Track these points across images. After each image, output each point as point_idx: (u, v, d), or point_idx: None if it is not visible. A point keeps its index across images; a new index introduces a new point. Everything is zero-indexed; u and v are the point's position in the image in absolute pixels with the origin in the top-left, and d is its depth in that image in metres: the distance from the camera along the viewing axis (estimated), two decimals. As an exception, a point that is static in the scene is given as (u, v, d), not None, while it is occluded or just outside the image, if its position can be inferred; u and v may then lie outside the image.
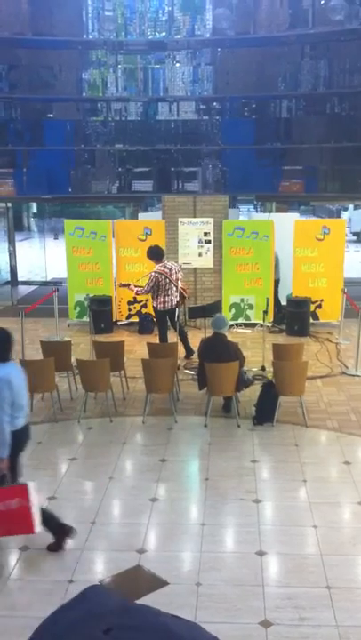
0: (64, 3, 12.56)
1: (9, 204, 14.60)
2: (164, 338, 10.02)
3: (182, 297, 10.01)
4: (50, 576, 4.96)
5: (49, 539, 5.43)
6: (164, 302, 9.85)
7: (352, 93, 12.45)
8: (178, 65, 12.91)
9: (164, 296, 9.83)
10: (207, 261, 12.43)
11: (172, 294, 9.82)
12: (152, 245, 10.42)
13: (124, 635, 1.59)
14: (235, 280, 12.14)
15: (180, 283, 9.88)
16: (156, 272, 9.81)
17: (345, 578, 4.89)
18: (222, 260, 12.22)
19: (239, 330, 11.79)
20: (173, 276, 9.81)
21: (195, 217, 12.37)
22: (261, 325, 10.44)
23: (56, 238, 19.28)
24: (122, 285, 10.68)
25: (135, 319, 12.23)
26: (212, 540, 5.43)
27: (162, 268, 9.84)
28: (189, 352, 10.01)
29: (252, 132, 13.05)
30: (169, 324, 10.02)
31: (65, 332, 11.66)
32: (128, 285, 10.21)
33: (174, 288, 9.80)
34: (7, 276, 15.46)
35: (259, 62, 12.84)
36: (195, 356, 9.35)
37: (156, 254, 10.06)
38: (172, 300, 9.84)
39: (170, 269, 9.86)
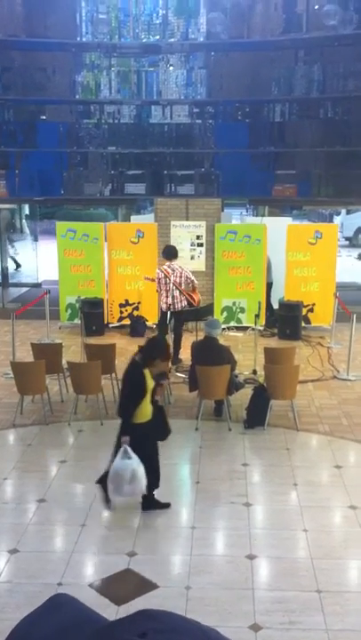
0: (58, 5, 12.55)
1: (1, 206, 14.55)
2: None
3: (190, 304, 9.99)
4: (39, 579, 4.92)
5: (40, 542, 5.40)
6: (167, 303, 9.91)
7: (345, 98, 12.49)
8: (171, 68, 12.90)
9: (165, 296, 9.91)
10: (199, 264, 12.42)
11: (173, 296, 9.83)
12: (168, 244, 10.62)
13: (163, 638, 1.58)
14: (227, 283, 12.13)
15: (184, 287, 9.88)
16: (159, 269, 10.02)
17: (335, 582, 4.89)
18: (214, 264, 12.22)
19: (231, 333, 11.78)
20: (177, 279, 9.84)
21: (187, 220, 12.37)
22: (253, 329, 10.43)
23: (36, 240, 19.09)
24: (146, 279, 10.81)
25: (127, 322, 12.19)
26: (203, 543, 5.41)
27: (165, 267, 9.98)
28: (175, 360, 9.92)
29: (246, 136, 13.05)
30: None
31: (56, 334, 11.61)
32: (153, 280, 10.35)
33: (176, 290, 9.80)
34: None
35: (252, 66, 12.86)
36: (186, 359, 9.32)
37: (166, 252, 10.25)
38: (174, 302, 9.85)
39: (173, 270, 9.93)
